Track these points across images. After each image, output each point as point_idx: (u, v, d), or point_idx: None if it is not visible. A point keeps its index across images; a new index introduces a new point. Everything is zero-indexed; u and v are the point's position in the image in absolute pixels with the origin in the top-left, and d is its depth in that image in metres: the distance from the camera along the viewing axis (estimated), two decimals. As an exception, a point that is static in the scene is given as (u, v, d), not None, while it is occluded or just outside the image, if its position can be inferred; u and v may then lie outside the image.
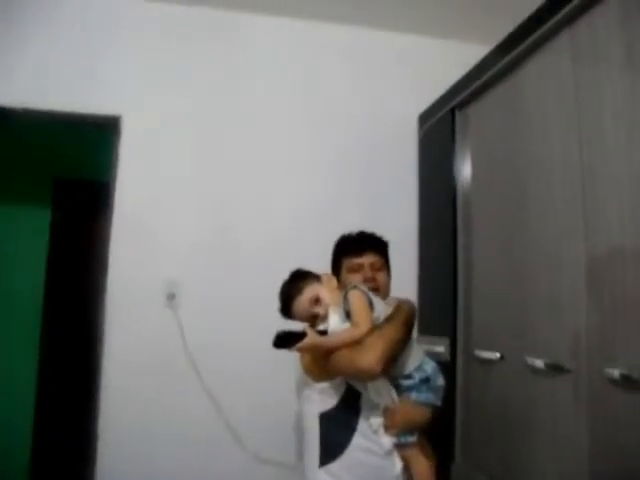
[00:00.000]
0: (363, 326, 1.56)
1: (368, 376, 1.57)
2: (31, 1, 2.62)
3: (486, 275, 2.19)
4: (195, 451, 2.44)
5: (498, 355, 1.99)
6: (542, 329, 1.78)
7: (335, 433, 1.61)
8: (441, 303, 2.45)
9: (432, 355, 2.39)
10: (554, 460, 1.65)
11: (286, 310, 1.71)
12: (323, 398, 1.64)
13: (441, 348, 2.38)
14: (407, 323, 1.68)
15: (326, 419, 1.63)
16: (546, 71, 1.82)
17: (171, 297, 2.54)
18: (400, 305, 1.74)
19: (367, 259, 1.83)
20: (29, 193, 3.67)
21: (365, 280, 1.79)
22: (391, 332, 1.59)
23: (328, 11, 2.81)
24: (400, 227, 2.75)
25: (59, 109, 2.56)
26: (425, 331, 2.60)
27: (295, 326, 1.64)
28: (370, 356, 1.50)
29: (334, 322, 1.61)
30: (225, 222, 2.66)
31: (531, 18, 1.84)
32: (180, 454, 2.43)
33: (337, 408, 1.62)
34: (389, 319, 1.64)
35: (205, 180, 2.69)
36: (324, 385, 1.63)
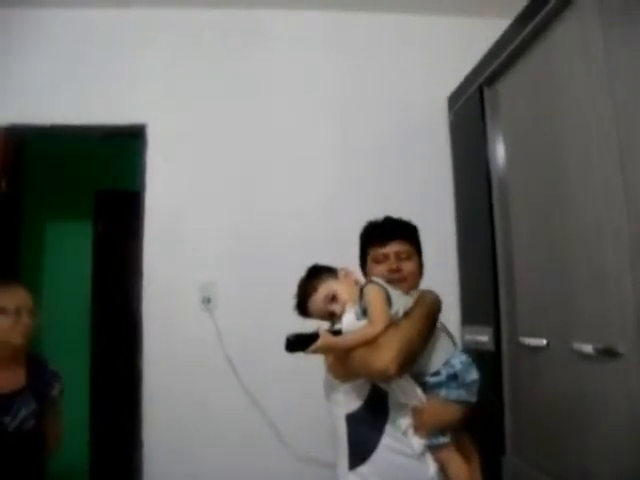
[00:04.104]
0: (378, 324, 1.45)
1: (384, 377, 1.46)
2: (51, 19, 2.71)
3: (527, 258, 2.08)
4: (238, 451, 2.45)
5: (544, 342, 1.89)
6: (587, 311, 1.66)
7: (363, 435, 1.52)
8: (483, 291, 2.34)
9: (477, 345, 2.33)
10: (607, 451, 1.54)
11: (302, 309, 1.64)
12: (349, 399, 1.56)
13: (485, 337, 2.28)
14: (427, 317, 1.54)
15: (353, 420, 1.55)
16: (573, 34, 1.70)
17: (206, 301, 2.55)
18: (421, 298, 1.60)
19: (392, 248, 1.71)
20: (72, 208, 3.80)
21: (390, 271, 1.68)
22: (408, 329, 1.46)
23: (345, 0, 2.75)
24: (437, 214, 2.67)
25: (86, 122, 2.62)
26: (468, 321, 2.51)
27: (313, 325, 1.58)
28: (384, 356, 1.39)
29: (348, 321, 1.52)
30: (255, 223, 2.65)
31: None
32: (223, 454, 2.45)
33: (363, 409, 1.54)
34: (407, 314, 1.52)
35: (234, 181, 2.68)
36: (349, 386, 1.55)
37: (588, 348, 1.59)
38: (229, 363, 2.49)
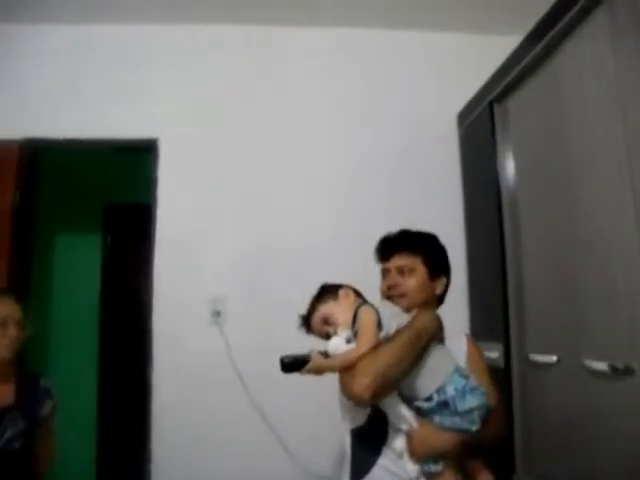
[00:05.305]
0: (362, 347, 1.42)
1: (359, 402, 1.44)
2: (65, 34, 2.77)
3: (537, 274, 2.08)
4: (246, 464, 2.44)
5: (554, 358, 1.88)
6: (597, 327, 1.65)
7: (363, 451, 1.51)
8: (492, 306, 2.34)
9: (486, 361, 2.30)
10: (619, 468, 1.52)
11: (307, 327, 1.63)
12: (354, 415, 1.55)
13: (495, 354, 2.26)
14: (413, 341, 1.44)
15: (356, 436, 1.54)
16: (583, 52, 1.71)
17: (216, 314, 2.55)
18: (413, 319, 1.52)
19: (393, 263, 1.67)
20: (83, 220, 3.83)
21: (388, 288, 1.66)
22: (386, 354, 1.40)
23: (356, 17, 2.79)
24: (447, 230, 2.63)
25: (98, 136, 2.66)
26: (478, 337, 2.48)
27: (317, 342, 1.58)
28: (359, 382, 1.36)
29: (335, 344, 1.49)
30: (266, 237, 2.66)
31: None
32: (232, 467, 2.44)
33: (365, 426, 1.52)
34: (390, 338, 1.45)
35: (245, 196, 2.70)
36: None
37: (601, 365, 1.58)
38: (238, 376, 2.50)
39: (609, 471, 1.57)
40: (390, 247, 1.72)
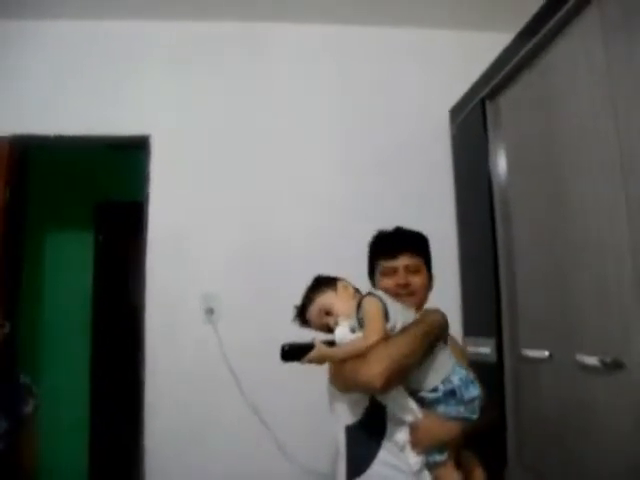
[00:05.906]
0: (370, 337, 1.43)
1: (370, 391, 1.45)
2: (55, 30, 2.75)
3: (529, 270, 2.09)
4: (240, 462, 2.43)
5: (547, 353, 1.89)
6: (590, 322, 1.67)
7: (361, 447, 1.50)
8: (485, 302, 2.35)
9: (479, 357, 2.33)
10: (612, 464, 1.54)
11: (301, 319, 1.63)
12: (349, 411, 1.54)
13: (487, 349, 2.28)
14: (424, 336, 1.48)
15: (352, 432, 1.53)
16: (575, 49, 1.72)
17: (209, 312, 2.55)
18: (423, 315, 1.57)
19: (401, 262, 1.68)
20: (74, 218, 3.81)
21: (398, 286, 1.66)
22: (399, 345, 1.42)
23: (347, 14, 2.79)
24: (438, 226, 2.65)
25: (90, 133, 2.64)
26: (470, 332, 2.51)
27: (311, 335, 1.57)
28: (371, 370, 1.37)
29: (340, 333, 1.50)
30: (259, 234, 2.66)
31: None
32: (226, 466, 2.44)
33: (362, 422, 1.52)
34: (403, 330, 1.48)
35: (237, 193, 2.70)
36: (350, 397, 1.53)
37: (592, 360, 1.59)
38: (232, 373, 2.49)
39: (600, 464, 1.59)
40: (396, 246, 1.72)
